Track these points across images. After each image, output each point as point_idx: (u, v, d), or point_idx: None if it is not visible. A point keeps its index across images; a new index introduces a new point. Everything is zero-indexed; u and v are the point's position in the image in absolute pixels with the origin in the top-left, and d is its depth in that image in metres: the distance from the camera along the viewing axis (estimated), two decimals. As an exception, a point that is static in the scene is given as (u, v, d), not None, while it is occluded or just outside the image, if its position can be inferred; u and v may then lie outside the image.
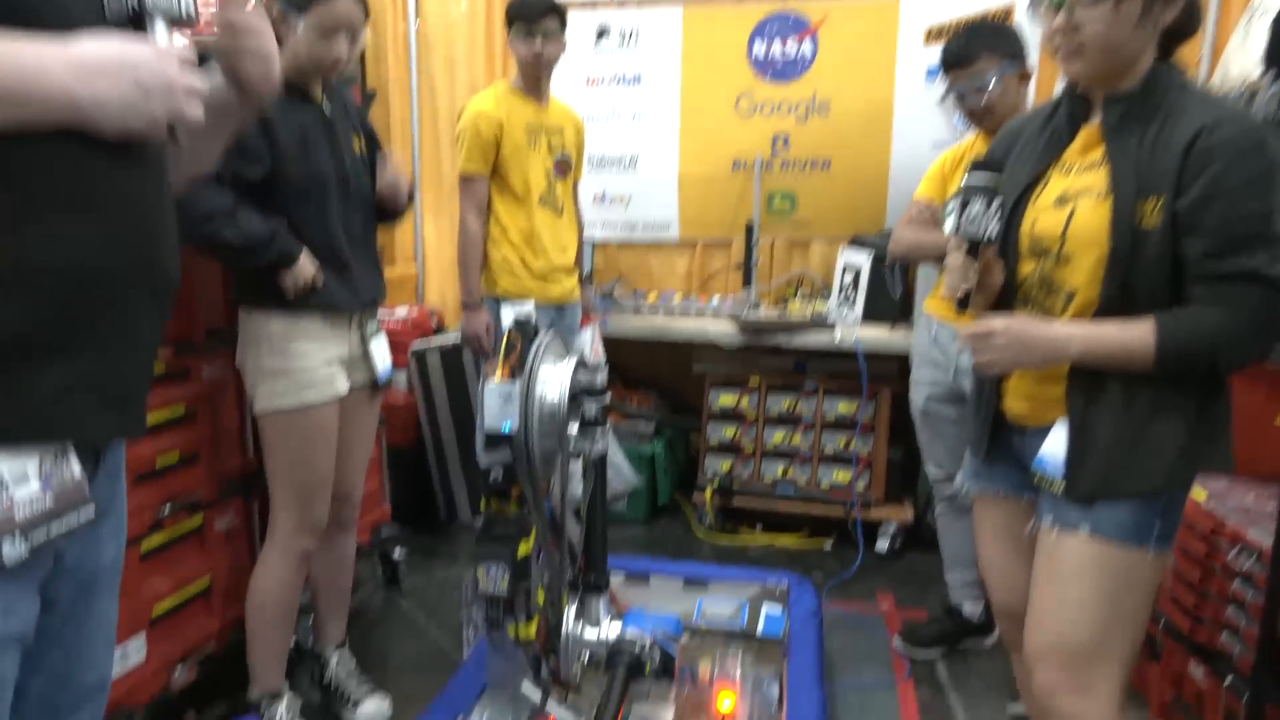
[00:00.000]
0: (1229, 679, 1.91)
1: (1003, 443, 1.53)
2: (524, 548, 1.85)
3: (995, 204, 1.38)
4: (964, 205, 1.40)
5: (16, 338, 0.80)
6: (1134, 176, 1.28)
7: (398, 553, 2.94)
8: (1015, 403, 1.48)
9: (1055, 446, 1.37)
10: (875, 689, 2.40)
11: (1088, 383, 1.34)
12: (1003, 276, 1.44)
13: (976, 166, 1.42)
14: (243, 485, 2.20)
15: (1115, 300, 1.30)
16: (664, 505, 3.75)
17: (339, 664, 2.26)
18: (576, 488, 2.05)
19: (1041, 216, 1.40)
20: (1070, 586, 1.34)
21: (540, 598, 1.93)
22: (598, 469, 1.98)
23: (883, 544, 3.34)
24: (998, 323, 1.36)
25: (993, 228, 1.38)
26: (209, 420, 2.07)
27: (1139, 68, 1.32)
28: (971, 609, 2.62)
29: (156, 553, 1.95)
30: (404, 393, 3.43)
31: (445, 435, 3.48)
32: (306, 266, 1.87)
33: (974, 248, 1.40)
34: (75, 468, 0.87)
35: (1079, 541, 1.34)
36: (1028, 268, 1.43)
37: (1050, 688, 1.35)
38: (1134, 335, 1.27)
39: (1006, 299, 1.47)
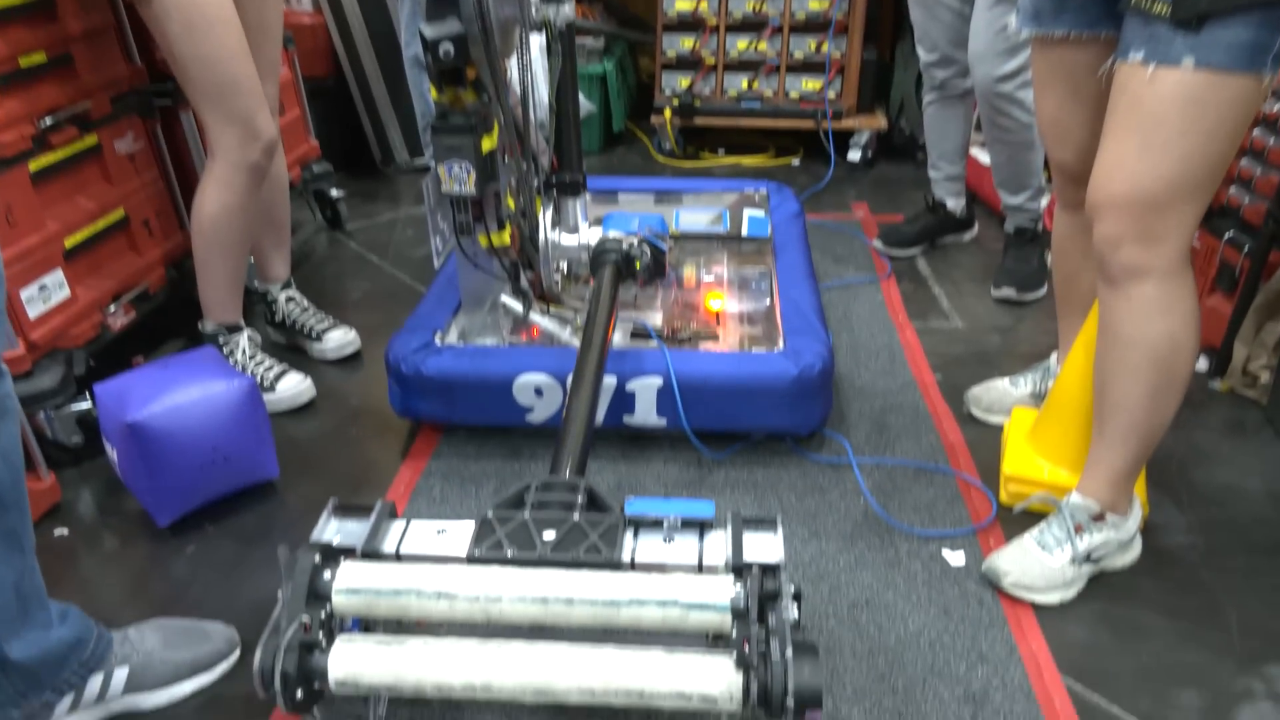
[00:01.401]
0: (1229, 234, 1.86)
1: None
2: (488, 143, 1.60)
3: None
4: None
5: None
6: None
7: (334, 191, 2.67)
8: None
9: None
10: (859, 286, 2.34)
11: None
12: None
13: None
14: (136, 101, 1.85)
15: None
16: (619, 134, 3.47)
17: (289, 300, 2.08)
18: (540, 68, 1.76)
19: None
20: (1158, 130, 1.15)
21: (511, 203, 1.73)
22: (564, 41, 1.68)
23: (854, 155, 3.17)
24: None
25: None
26: (75, 13, 1.66)
27: None
28: (955, 203, 2.52)
29: (50, 176, 1.64)
30: (309, 11, 2.93)
31: (367, 63, 3.04)
32: None
33: None
34: None
35: (1178, 76, 1.12)
36: None
37: (1116, 239, 1.22)
38: None
39: None
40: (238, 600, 1.37)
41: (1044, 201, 2.30)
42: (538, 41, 1.69)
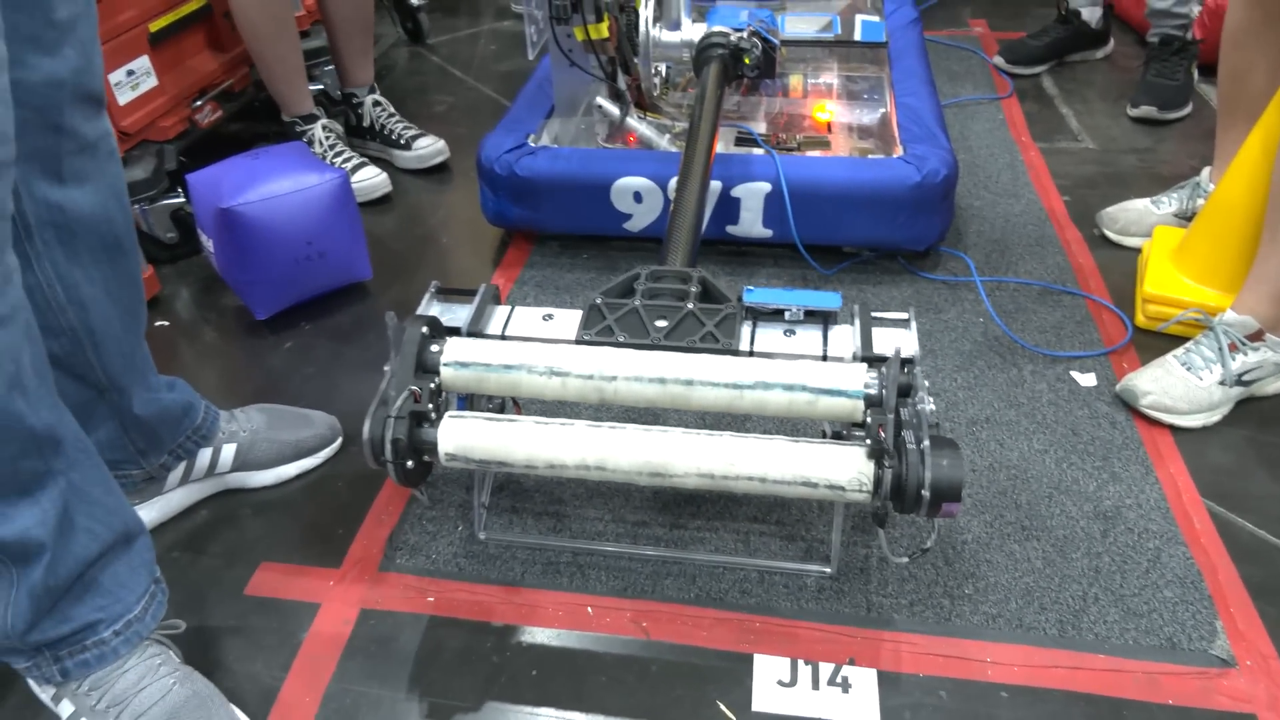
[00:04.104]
0: None
1: None
2: (587, -83, 1.45)
3: None
4: None
5: None
6: None
7: (416, 0, 2.52)
8: None
9: None
10: (977, 104, 2.14)
11: None
12: None
13: None
14: None
15: None
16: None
17: (375, 105, 1.99)
18: None
19: None
20: None
21: (609, -9, 1.58)
22: None
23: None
24: None
25: None
26: None
27: None
28: (1090, 13, 2.26)
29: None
30: None
31: None
32: None
33: None
34: None
35: None
36: None
37: None
38: None
39: None
40: (335, 395, 1.36)
41: (1195, 8, 2.03)
42: None
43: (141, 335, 1.01)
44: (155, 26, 1.60)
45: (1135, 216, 1.63)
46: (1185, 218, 1.58)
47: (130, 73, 1.54)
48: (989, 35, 2.53)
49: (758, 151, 1.60)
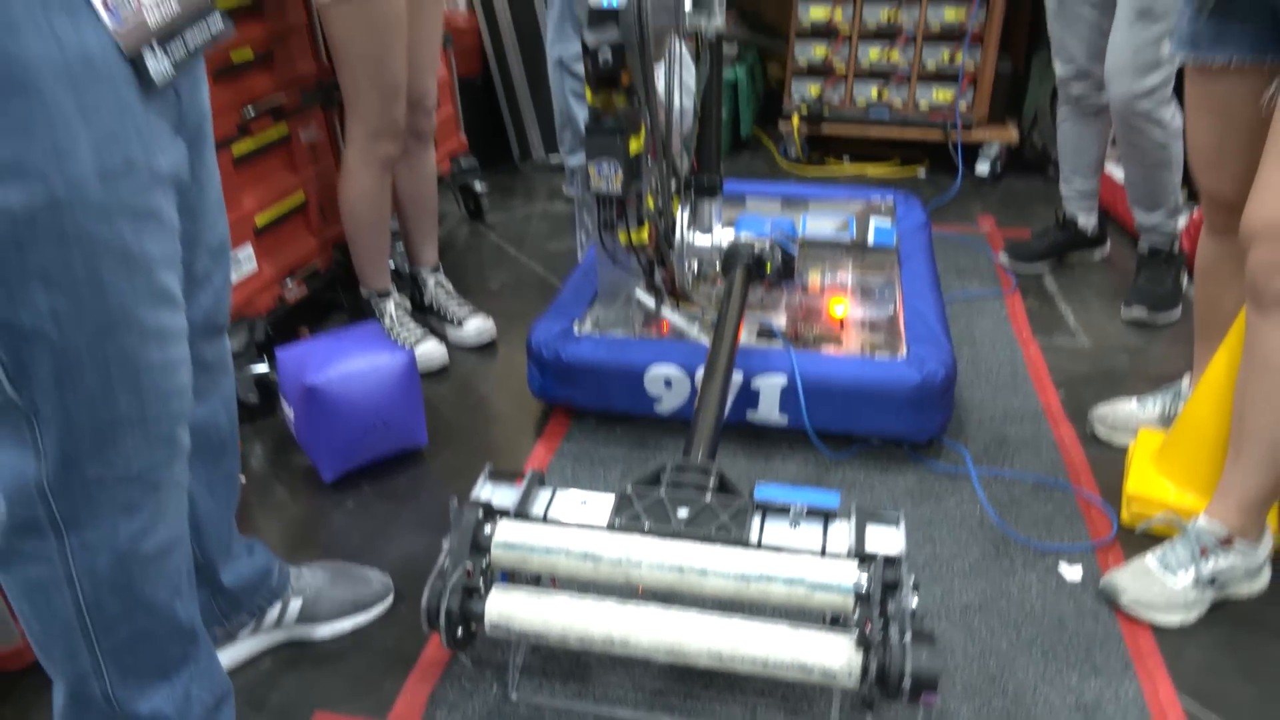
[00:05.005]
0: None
1: None
2: (635, 145, 1.70)
3: None
4: None
5: None
6: None
7: (478, 185, 2.84)
8: None
9: None
10: (983, 299, 2.35)
11: None
12: None
13: None
14: (319, 93, 2.04)
15: None
16: (746, 139, 3.54)
17: (437, 285, 2.24)
18: (689, 75, 1.85)
19: None
20: None
21: (650, 203, 1.82)
22: (714, 51, 1.77)
23: (983, 167, 3.15)
24: None
25: None
26: (276, 14, 1.86)
27: None
28: (1086, 220, 2.48)
29: (248, 161, 1.85)
30: (464, 14, 3.12)
31: (513, 67, 3.21)
32: None
33: None
34: None
35: None
36: None
37: (1272, 267, 1.21)
38: None
39: None
40: (390, 552, 1.52)
41: (1181, 221, 2.25)
42: (684, 49, 1.79)
43: (233, 518, 1.17)
44: (262, 220, 1.87)
45: (1124, 416, 1.78)
46: (1167, 421, 1.72)
47: (237, 261, 1.79)
48: (996, 232, 2.77)
49: (776, 345, 1.79)
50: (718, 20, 1.69)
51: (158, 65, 0.67)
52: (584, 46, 1.58)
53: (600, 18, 1.58)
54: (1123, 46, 2.01)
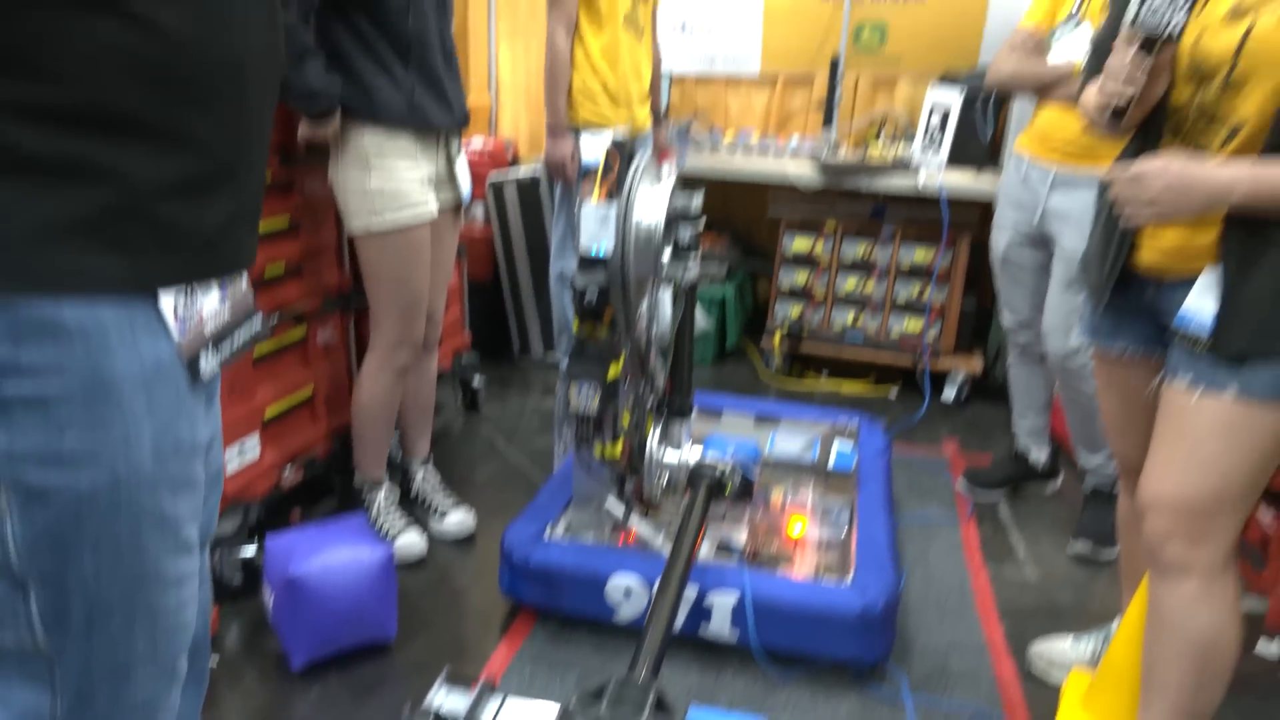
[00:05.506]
0: (1302, 526, 1.94)
1: (1129, 295, 1.44)
2: (614, 370, 1.91)
3: None
4: None
5: (181, 175, 0.78)
6: None
7: (477, 380, 3.05)
8: (1152, 254, 1.37)
9: (1203, 300, 1.28)
10: (939, 525, 2.48)
11: (1245, 231, 1.24)
12: (1166, 84, 1.30)
13: None
14: (340, 300, 2.28)
15: None
16: (731, 349, 3.80)
17: (424, 478, 2.39)
18: (666, 313, 2.08)
19: (1209, 33, 1.25)
20: (1203, 446, 1.29)
21: (626, 420, 2.01)
22: (688, 295, 2.00)
23: (949, 393, 3.37)
24: (1153, 164, 1.25)
25: (1178, 20, 1.21)
26: (310, 234, 2.13)
27: None
28: (1038, 455, 2.65)
29: (266, 360, 2.05)
30: (481, 225, 3.45)
31: (520, 269, 3.52)
32: (334, 128, 1.90)
33: (1150, 44, 1.24)
34: (244, 281, 0.91)
35: (1221, 403, 1.26)
36: (1184, 94, 1.30)
37: (1164, 536, 1.34)
38: None
39: (1154, 130, 1.35)
40: (346, 745, 1.58)
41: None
42: (667, 293, 2.03)
43: (199, 713, 1.25)
44: (271, 413, 2.05)
45: (1059, 654, 1.87)
46: (1097, 661, 1.81)
47: (242, 450, 1.96)
48: (958, 457, 2.94)
49: (732, 563, 1.91)
50: (692, 271, 1.94)
51: (208, 364, 0.83)
52: (573, 288, 1.82)
53: (589, 264, 1.83)
54: (1056, 309, 2.26)
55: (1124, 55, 1.27)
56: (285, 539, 1.77)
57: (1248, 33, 1.21)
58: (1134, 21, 1.25)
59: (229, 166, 0.82)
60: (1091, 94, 1.39)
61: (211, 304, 0.84)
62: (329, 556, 1.71)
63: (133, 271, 0.76)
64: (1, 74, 0.69)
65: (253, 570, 1.94)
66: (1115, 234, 1.41)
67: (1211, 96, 1.26)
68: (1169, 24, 1.23)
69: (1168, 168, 1.25)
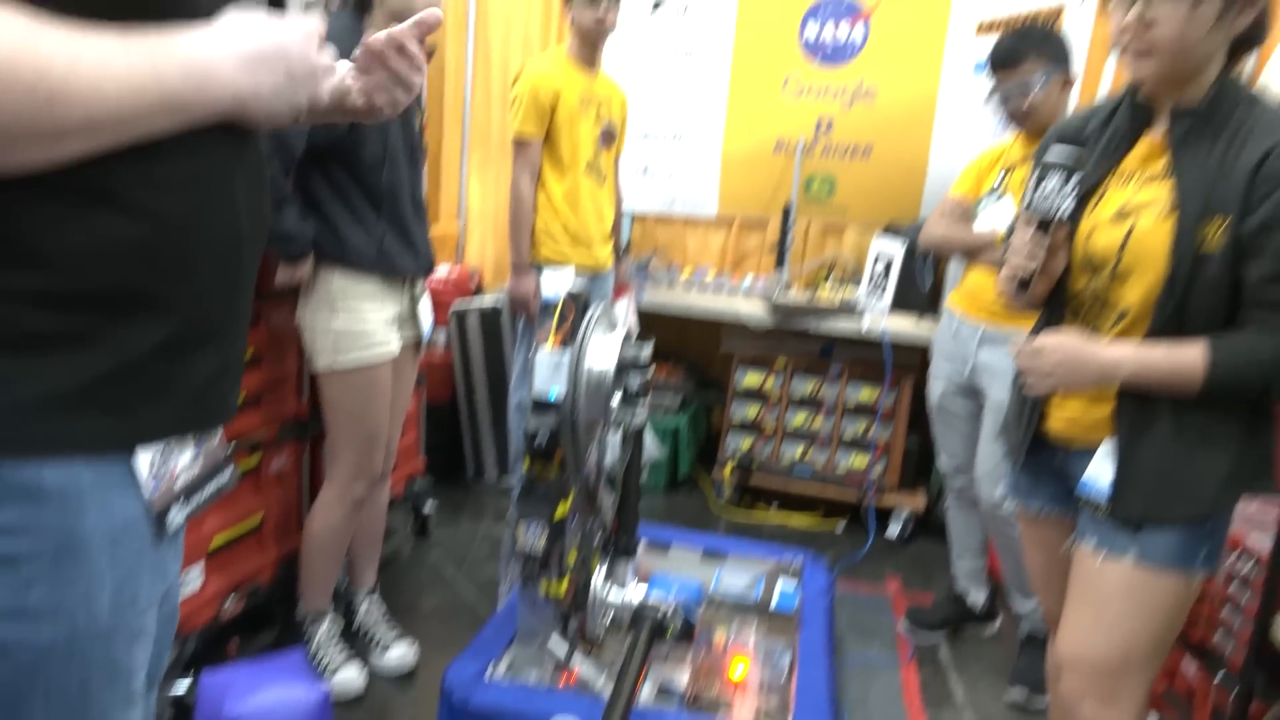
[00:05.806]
0: (1219, 675, 2.00)
1: (1044, 458, 1.54)
2: (561, 510, 1.96)
3: (1073, 181, 1.35)
4: (1039, 181, 1.37)
5: (174, 336, 0.80)
6: (1200, 195, 1.26)
7: (428, 506, 3.07)
8: (1058, 423, 1.48)
9: (1101, 469, 1.38)
10: (880, 666, 2.51)
11: (1136, 405, 1.35)
12: (1065, 261, 1.44)
13: (1060, 139, 1.42)
14: (296, 429, 2.31)
15: (1169, 323, 1.31)
16: (684, 478, 3.85)
17: (368, 610, 2.38)
18: (614, 456, 2.14)
19: (1099, 230, 1.38)
20: (1109, 608, 1.37)
21: (572, 558, 2.04)
22: (635, 440, 2.08)
23: (894, 529, 3.44)
24: (1051, 340, 1.38)
25: (1066, 205, 1.35)
26: (273, 364, 2.18)
27: (1206, 75, 1.30)
28: (976, 597, 2.71)
29: (216, 490, 2.06)
30: (442, 351, 3.53)
31: (479, 395, 3.59)
32: (304, 273, 1.99)
33: (1045, 225, 1.38)
34: (218, 436, 0.93)
35: (1123, 567, 1.35)
36: (1081, 281, 1.43)
37: (1077, 695, 1.40)
38: (1185, 359, 1.28)
39: (1057, 309, 1.49)
40: None
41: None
42: (616, 437, 2.10)
43: None
44: (217, 542, 2.05)
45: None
46: (1030, 819, 1.83)
47: (183, 581, 1.95)
48: (900, 596, 2.98)
49: (672, 708, 1.92)
50: (640, 416, 2.02)
51: (175, 518, 0.84)
52: (524, 432, 1.89)
53: (542, 408, 1.90)
54: (987, 457, 2.37)
55: (1024, 234, 1.42)
56: (220, 677, 1.75)
57: (1130, 232, 1.36)
58: (1028, 206, 1.41)
59: (220, 324, 0.85)
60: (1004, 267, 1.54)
61: (185, 459, 0.85)
62: (263, 697, 1.69)
63: (120, 431, 0.77)
64: (3, 264, 0.71)
65: (184, 709, 1.90)
66: (1027, 401, 1.53)
67: (1102, 284, 1.41)
68: (1057, 209, 1.38)
69: (1062, 344, 1.38)
